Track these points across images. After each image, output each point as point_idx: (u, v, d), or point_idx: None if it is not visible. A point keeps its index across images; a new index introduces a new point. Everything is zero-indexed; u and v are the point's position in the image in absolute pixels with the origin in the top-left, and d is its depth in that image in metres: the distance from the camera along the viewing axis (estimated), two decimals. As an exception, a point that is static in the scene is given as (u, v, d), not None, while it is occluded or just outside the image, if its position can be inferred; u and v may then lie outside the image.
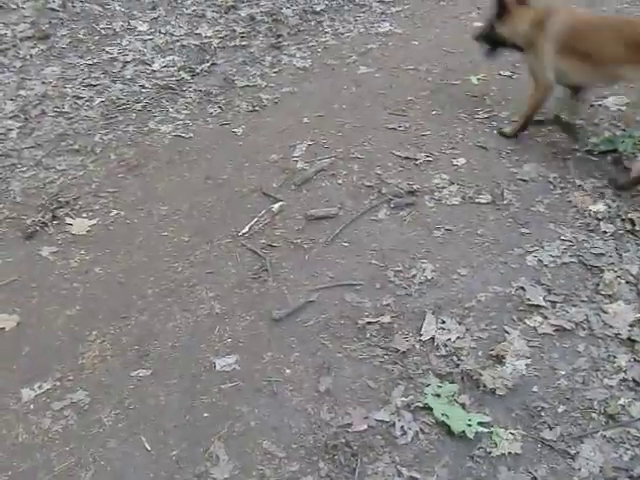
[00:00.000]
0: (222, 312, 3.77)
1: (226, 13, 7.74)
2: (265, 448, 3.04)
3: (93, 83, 6.30)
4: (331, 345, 3.52)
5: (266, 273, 4.00)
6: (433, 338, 3.51)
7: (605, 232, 4.11)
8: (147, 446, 3.07)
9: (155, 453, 3.05)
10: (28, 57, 6.72)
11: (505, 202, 4.41)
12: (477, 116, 5.44)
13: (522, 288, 3.78)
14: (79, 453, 3.06)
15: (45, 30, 7.17)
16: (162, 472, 2.98)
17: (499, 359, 3.37)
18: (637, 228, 4.08)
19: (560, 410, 3.12)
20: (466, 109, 5.55)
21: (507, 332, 3.52)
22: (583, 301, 3.68)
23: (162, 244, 4.30)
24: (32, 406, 3.30)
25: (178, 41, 7.12)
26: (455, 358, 3.40)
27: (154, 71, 6.54)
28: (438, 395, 3.19)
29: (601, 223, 4.18)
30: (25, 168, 5.10)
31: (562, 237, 4.10)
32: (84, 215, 4.59)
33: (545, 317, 3.59)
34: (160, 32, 7.30)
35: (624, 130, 5.01)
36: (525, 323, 3.57)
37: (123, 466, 3.01)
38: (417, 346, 3.48)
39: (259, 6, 7.86)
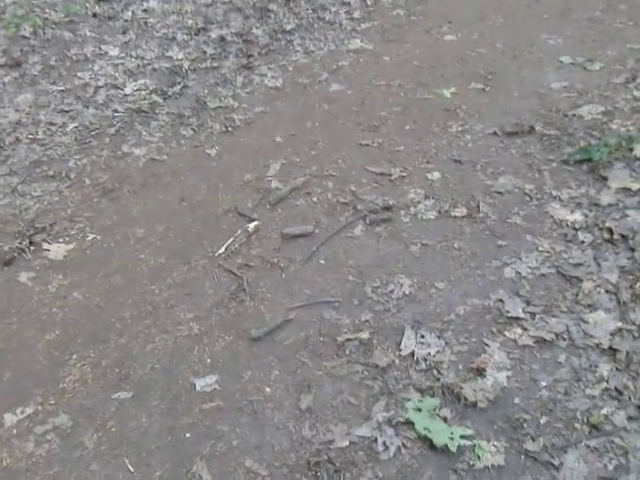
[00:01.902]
0: (201, 333, 3.77)
1: (196, 35, 7.78)
2: (248, 467, 3.03)
3: (66, 109, 6.30)
4: (311, 363, 3.53)
5: (243, 293, 4.01)
6: (413, 353, 3.52)
7: (583, 242, 4.13)
8: (130, 468, 3.06)
9: (138, 475, 3.03)
10: (0, 85, 6.73)
11: (481, 215, 4.44)
12: (450, 129, 5.49)
13: (501, 300, 3.79)
14: (63, 476, 3.04)
15: (17, 57, 7.19)
16: (146, 494, 2.98)
17: (479, 372, 3.37)
18: (615, 237, 4.10)
19: (542, 421, 3.13)
20: (439, 123, 5.60)
21: (487, 345, 3.53)
22: (563, 312, 3.69)
23: (139, 267, 4.30)
24: (15, 431, 3.28)
25: (149, 64, 7.14)
26: (435, 372, 3.41)
27: (126, 95, 6.55)
28: (419, 409, 3.19)
29: (579, 233, 4.20)
30: (1, 195, 5.09)
31: (540, 248, 4.12)
32: (61, 240, 4.58)
33: (525, 329, 3.60)
34: (131, 56, 7.32)
35: (599, 139, 5.06)
36: (505, 335, 3.58)
37: (106, 489, 3.01)
38: (397, 361, 3.49)
39: (229, 27, 7.91)
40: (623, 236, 4.11)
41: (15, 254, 4.44)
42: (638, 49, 6.50)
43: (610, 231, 4.15)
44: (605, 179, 4.62)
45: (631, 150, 4.84)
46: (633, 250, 4.01)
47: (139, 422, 3.29)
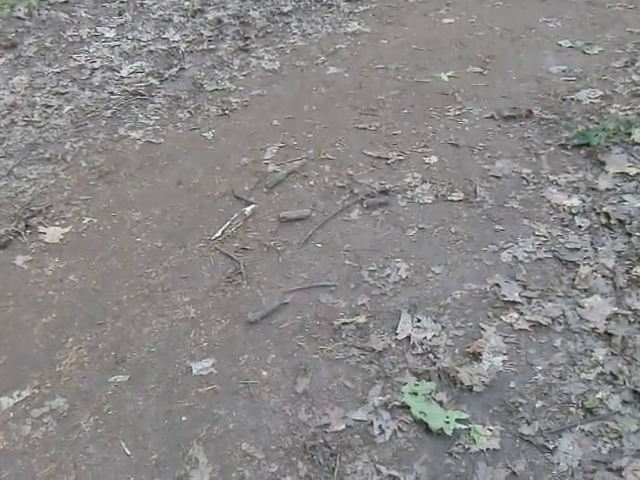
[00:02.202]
0: (197, 316, 3.77)
1: (193, 17, 7.75)
2: (244, 450, 3.04)
3: (62, 91, 6.28)
4: (307, 346, 3.53)
5: (240, 276, 4.01)
6: (409, 337, 3.52)
7: (580, 226, 4.13)
8: (127, 451, 3.07)
9: (135, 457, 3.04)
10: (-5, 66, 6.70)
11: (478, 199, 4.43)
12: (448, 113, 5.48)
13: (497, 285, 3.79)
14: (60, 459, 3.05)
15: (12, 39, 7.15)
16: (142, 476, 2.97)
17: (476, 356, 3.38)
18: (612, 222, 4.10)
19: (538, 405, 3.14)
20: (437, 107, 5.59)
21: (483, 329, 3.54)
22: (559, 296, 3.70)
23: (135, 250, 4.29)
24: (12, 414, 3.29)
25: (145, 46, 7.11)
26: (431, 356, 3.42)
27: (122, 77, 6.52)
28: (415, 393, 3.20)
29: (576, 218, 4.20)
30: (-4, 178, 5.08)
31: (536, 232, 4.12)
32: (57, 223, 4.57)
33: (521, 313, 3.61)
34: (127, 38, 7.30)
35: (597, 123, 5.05)
36: (501, 319, 3.59)
37: (103, 471, 3.00)
38: (393, 345, 3.50)
39: (226, 9, 7.88)
40: (620, 221, 4.11)
41: (11, 237, 4.43)
42: (638, 33, 6.49)
43: (607, 216, 4.15)
44: (603, 164, 4.61)
45: (629, 135, 4.83)
46: (630, 235, 4.01)
47: (136, 405, 3.29)
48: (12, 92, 6.23)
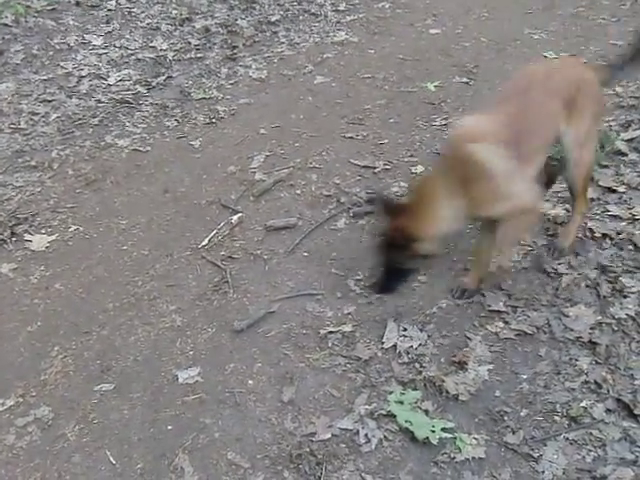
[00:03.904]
0: (183, 325, 3.77)
1: (181, 25, 7.75)
2: (230, 459, 3.04)
3: (49, 98, 6.27)
4: (293, 355, 3.54)
5: (227, 285, 4.01)
6: (395, 346, 3.54)
7: (564, 237, 4.16)
8: (112, 460, 3.06)
9: (120, 467, 3.04)
10: (-18, 74, 6.68)
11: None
12: (434, 123, 5.51)
13: (482, 294, 3.82)
14: (44, 469, 3.04)
15: (-2, 46, 7.13)
16: (127, 486, 2.98)
17: (461, 365, 3.40)
18: (597, 234, 4.13)
19: (523, 414, 3.16)
20: (423, 116, 5.62)
21: (469, 338, 3.56)
22: (544, 305, 3.72)
23: (122, 258, 4.29)
24: (-5, 423, 3.29)
25: (133, 54, 7.11)
26: (417, 365, 3.43)
27: (110, 85, 6.52)
28: (401, 402, 3.22)
29: (560, 228, 4.23)
30: (-18, 185, 5.06)
31: (522, 242, 4.14)
32: (43, 231, 4.57)
33: (506, 322, 3.64)
34: (115, 46, 7.29)
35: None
36: (486, 329, 3.61)
37: (88, 481, 3.01)
38: (379, 354, 3.51)
39: (214, 18, 7.89)
40: (604, 234, 4.12)
41: (-4, 245, 4.42)
42: (620, 45, 6.51)
43: (592, 231, 4.16)
44: (591, 179, 4.62)
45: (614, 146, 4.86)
46: (614, 245, 4.03)
47: (121, 414, 3.29)
48: (-2, 99, 6.22)
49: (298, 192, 4.76)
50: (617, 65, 3.94)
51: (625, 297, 3.69)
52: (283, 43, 7.33)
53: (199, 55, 7.09)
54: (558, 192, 4.51)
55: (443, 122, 5.48)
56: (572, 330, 3.54)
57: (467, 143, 3.41)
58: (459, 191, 3.40)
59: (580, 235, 4.14)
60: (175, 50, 7.19)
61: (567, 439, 3.02)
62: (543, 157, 3.72)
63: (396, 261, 3.56)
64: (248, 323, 3.72)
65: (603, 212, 4.30)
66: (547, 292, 3.80)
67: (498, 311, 3.70)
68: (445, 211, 3.44)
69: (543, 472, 2.89)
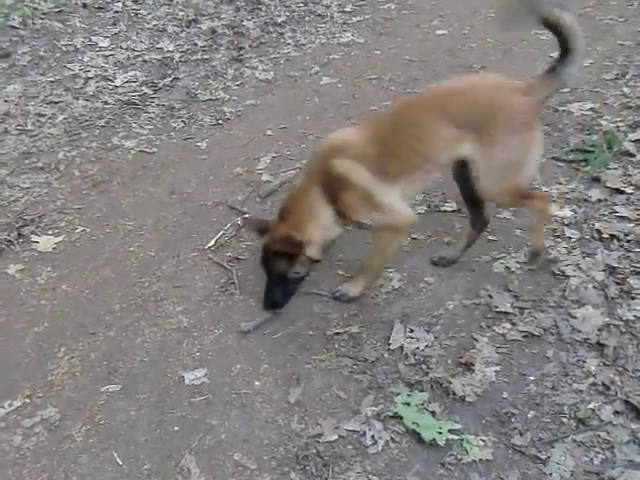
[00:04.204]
0: (190, 326, 3.77)
1: (187, 27, 7.75)
2: (236, 460, 3.04)
3: (55, 100, 6.28)
4: (300, 356, 3.54)
5: (233, 286, 4.01)
6: (402, 347, 3.53)
7: (571, 238, 4.15)
8: (118, 461, 3.07)
9: (127, 468, 3.04)
10: (-11, 75, 6.69)
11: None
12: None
13: (489, 295, 3.81)
14: (51, 469, 3.05)
15: (6, 48, 7.14)
16: (134, 487, 2.99)
17: (468, 366, 3.39)
18: (604, 235, 4.12)
19: (530, 415, 3.15)
20: (429, 118, 5.59)
21: (475, 339, 3.55)
22: (551, 307, 3.72)
23: (128, 259, 4.29)
24: (3, 424, 3.29)
25: (140, 56, 7.12)
26: (424, 366, 3.42)
27: (116, 87, 6.52)
28: (408, 404, 3.21)
29: (567, 229, 4.22)
30: (-11, 187, 5.08)
31: (528, 243, 4.12)
32: (50, 232, 4.57)
33: (513, 323, 3.63)
34: (121, 47, 7.30)
35: (589, 135, 5.10)
36: (493, 330, 3.60)
37: (95, 482, 3.01)
38: (386, 355, 3.51)
39: (220, 19, 7.88)
40: (611, 235, 4.11)
41: (3, 246, 4.43)
42: (628, 45, 6.52)
43: (599, 232, 4.15)
44: (597, 179, 4.61)
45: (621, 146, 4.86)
46: (622, 247, 4.02)
47: (128, 415, 3.29)
48: (5, 101, 6.22)
49: (305, 193, 4.76)
50: (556, 67, 3.59)
51: (633, 298, 3.69)
52: (289, 44, 7.33)
53: (205, 56, 7.09)
54: (565, 193, 4.50)
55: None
56: (580, 332, 3.54)
57: (329, 158, 3.61)
58: (329, 200, 3.60)
59: (587, 236, 4.14)
60: (181, 51, 7.19)
61: (575, 441, 3.01)
62: (422, 177, 3.67)
63: (283, 271, 3.68)
64: (255, 324, 3.72)
65: (611, 213, 4.29)
66: (554, 294, 3.79)
67: (505, 312, 3.69)
68: (322, 218, 3.66)
69: (551, 474, 2.89)
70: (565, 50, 3.54)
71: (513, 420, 3.13)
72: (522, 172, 3.58)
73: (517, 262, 4.00)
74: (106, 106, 6.20)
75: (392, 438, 3.09)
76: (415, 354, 3.48)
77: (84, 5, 8.26)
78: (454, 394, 3.25)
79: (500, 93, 3.51)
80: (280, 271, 3.69)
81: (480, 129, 3.44)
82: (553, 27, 3.51)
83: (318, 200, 3.64)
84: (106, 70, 6.82)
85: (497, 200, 3.78)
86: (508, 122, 3.44)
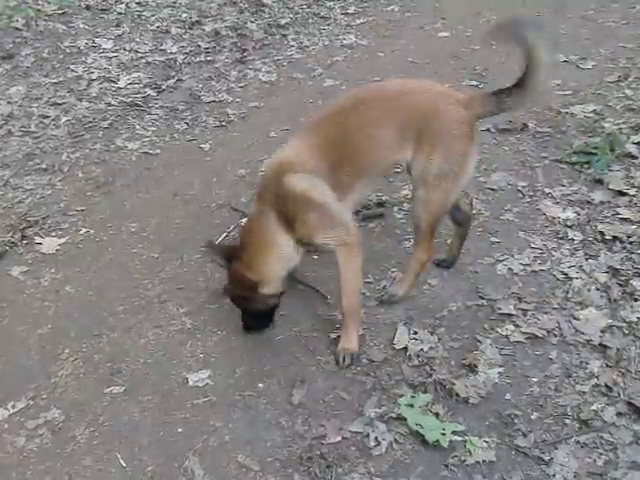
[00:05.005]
0: (193, 327, 3.78)
1: (190, 29, 7.77)
2: (240, 462, 3.04)
3: (59, 102, 6.29)
4: (303, 358, 3.54)
5: (237, 288, 4.01)
6: (405, 349, 3.53)
7: (574, 240, 4.16)
8: (122, 462, 3.07)
9: (130, 469, 3.04)
10: (-7, 77, 6.71)
11: (474, 211, 4.42)
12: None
13: (493, 297, 3.82)
14: (54, 471, 3.05)
15: (9, 50, 7.16)
16: (138, 489, 2.99)
17: (472, 368, 3.40)
18: (607, 237, 4.13)
19: (533, 417, 3.15)
20: (432, 120, 5.60)
21: (479, 341, 3.55)
22: (554, 308, 3.72)
23: (132, 261, 4.30)
24: (6, 425, 3.28)
25: (143, 58, 7.13)
26: (428, 368, 3.43)
27: (120, 88, 6.53)
28: (411, 405, 3.21)
29: (570, 230, 4.23)
30: (-7, 188, 5.08)
31: (532, 245, 4.14)
32: (53, 234, 4.57)
33: (517, 325, 3.63)
34: (125, 49, 7.31)
35: (591, 137, 5.11)
36: (497, 332, 3.61)
37: (99, 484, 3.02)
38: (389, 357, 3.51)
39: (223, 21, 7.90)
40: (614, 237, 4.12)
41: (7, 248, 4.43)
42: (630, 48, 6.53)
43: (602, 233, 4.16)
44: (600, 181, 4.62)
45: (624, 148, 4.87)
46: (625, 248, 4.03)
47: (131, 417, 3.29)
48: (9, 102, 6.24)
49: (308, 195, 4.76)
50: (504, 92, 3.48)
51: (636, 300, 3.70)
52: (292, 46, 7.34)
53: (209, 58, 7.10)
54: (568, 195, 4.51)
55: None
56: (583, 333, 3.54)
57: (282, 176, 3.34)
58: (285, 226, 3.37)
59: (590, 238, 4.15)
60: (185, 53, 7.20)
61: (578, 442, 3.02)
62: (370, 184, 3.61)
63: (248, 308, 3.58)
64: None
65: (613, 215, 4.30)
66: (557, 295, 3.80)
67: (508, 314, 3.70)
68: (278, 249, 3.42)
69: (554, 475, 2.89)
70: (523, 78, 3.47)
71: (516, 421, 3.13)
72: (456, 187, 3.51)
73: (520, 264, 4.01)
74: (109, 108, 6.21)
75: (396, 439, 3.09)
76: (419, 356, 3.49)
77: (87, 7, 8.30)
78: (457, 396, 3.26)
79: (442, 102, 3.43)
80: (245, 308, 3.60)
81: (420, 136, 3.39)
82: (525, 52, 3.47)
83: (273, 229, 3.39)
84: (109, 72, 6.84)
85: (425, 213, 3.54)
86: (447, 132, 3.39)
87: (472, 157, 3.52)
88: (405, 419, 3.15)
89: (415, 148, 3.42)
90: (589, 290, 3.80)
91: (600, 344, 3.47)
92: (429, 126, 3.38)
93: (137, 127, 5.89)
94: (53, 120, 6.00)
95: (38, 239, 4.52)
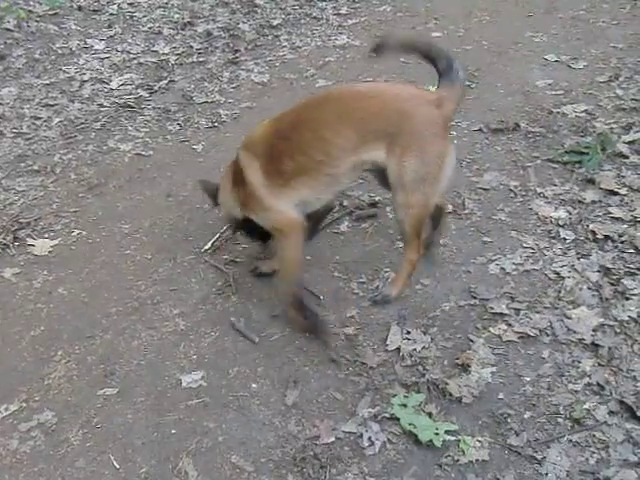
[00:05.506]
0: (187, 328, 3.78)
1: (182, 30, 7.77)
2: (234, 463, 3.04)
3: (51, 103, 6.28)
4: (297, 358, 3.54)
5: (230, 288, 4.02)
6: (398, 349, 3.54)
7: (565, 239, 4.17)
8: (115, 464, 3.07)
9: (124, 471, 3.04)
10: (-16, 78, 6.70)
11: (466, 211, 4.46)
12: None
13: (485, 297, 3.83)
14: (48, 474, 3.05)
15: (0, 51, 7.15)
16: (131, 490, 2.99)
17: (464, 368, 3.40)
18: (599, 237, 4.14)
19: (526, 416, 3.16)
20: (424, 120, 5.60)
21: (472, 341, 3.56)
22: (546, 307, 3.73)
23: (125, 262, 4.30)
24: (-1, 428, 3.29)
25: (135, 59, 7.13)
26: (421, 368, 3.43)
27: (112, 89, 6.53)
28: (405, 405, 3.21)
29: (562, 230, 4.24)
30: (-16, 190, 5.08)
31: (524, 245, 4.15)
32: (46, 235, 4.57)
33: (509, 324, 3.64)
34: (117, 50, 7.31)
35: (583, 137, 5.13)
36: (489, 331, 3.61)
37: (92, 486, 3.02)
38: (382, 357, 3.51)
39: (216, 22, 7.90)
40: (606, 236, 4.13)
41: (-1, 249, 4.43)
42: (621, 48, 6.54)
43: (594, 233, 4.17)
44: (592, 181, 4.63)
45: (615, 148, 4.88)
46: (616, 247, 4.04)
47: (125, 418, 3.29)
48: (0, 104, 6.24)
49: (300, 196, 4.76)
50: (445, 77, 3.55)
51: (627, 299, 3.70)
52: (285, 47, 7.34)
53: (201, 59, 7.10)
54: (559, 194, 4.52)
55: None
56: (575, 332, 3.55)
57: (240, 148, 3.75)
58: (234, 185, 3.80)
59: (582, 237, 4.16)
60: (177, 54, 7.20)
61: (570, 441, 3.02)
62: (325, 182, 3.59)
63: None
64: (252, 327, 3.73)
65: (605, 214, 4.31)
66: (549, 294, 3.81)
67: (501, 313, 3.70)
68: (226, 194, 3.89)
69: (547, 474, 2.89)
70: (435, 60, 3.60)
71: (509, 421, 3.14)
72: (435, 188, 3.50)
73: (512, 263, 4.02)
74: (102, 109, 6.20)
75: (389, 439, 3.10)
76: (412, 355, 3.49)
77: (79, 8, 8.29)
78: (451, 395, 3.26)
79: (411, 103, 3.42)
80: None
81: (392, 138, 3.38)
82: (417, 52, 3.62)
83: (228, 180, 3.85)
84: (102, 73, 6.84)
85: (407, 216, 3.55)
86: (419, 134, 3.38)
87: (449, 157, 3.49)
88: (398, 419, 3.15)
89: (388, 151, 3.41)
90: (581, 289, 3.81)
91: (592, 343, 3.48)
92: (399, 128, 3.36)
93: (129, 128, 5.89)
94: (45, 121, 6.00)
95: (30, 241, 4.52)
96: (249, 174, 3.60)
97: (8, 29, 7.64)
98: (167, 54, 7.20)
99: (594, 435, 3.04)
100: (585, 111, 5.49)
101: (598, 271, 3.91)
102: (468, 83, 6.11)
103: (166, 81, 6.65)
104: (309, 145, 3.46)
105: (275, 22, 7.90)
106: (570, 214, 4.35)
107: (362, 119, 3.40)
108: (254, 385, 3.42)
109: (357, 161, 3.49)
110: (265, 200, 3.57)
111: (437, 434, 3.05)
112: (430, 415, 3.17)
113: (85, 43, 7.45)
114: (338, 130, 3.42)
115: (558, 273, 3.93)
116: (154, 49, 7.33)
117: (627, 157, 4.81)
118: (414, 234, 3.63)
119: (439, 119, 3.40)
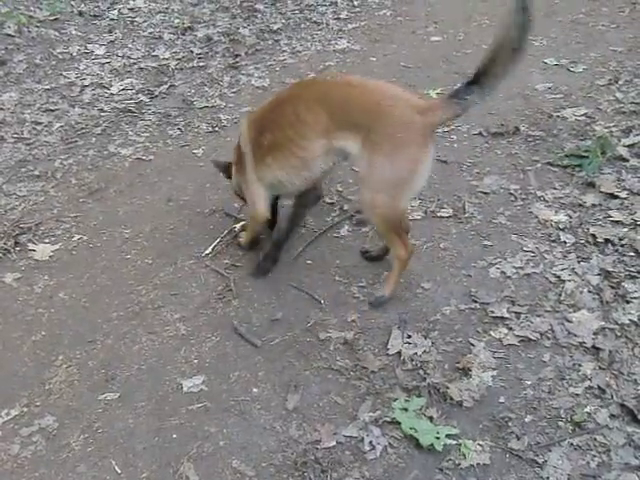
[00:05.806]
0: (188, 333, 3.78)
1: (183, 34, 7.77)
2: (235, 467, 3.04)
3: (52, 108, 6.29)
4: (297, 363, 3.54)
5: (230, 293, 4.02)
6: (399, 353, 3.54)
7: (566, 242, 4.17)
8: (117, 469, 3.07)
9: (125, 476, 3.04)
10: (-15, 83, 6.70)
11: (467, 215, 4.46)
12: (437, 130, 5.49)
13: (486, 300, 3.83)
14: (49, 479, 3.05)
15: (1, 56, 7.15)
16: (133, 495, 2.99)
17: (465, 371, 3.41)
18: (599, 240, 4.14)
19: (527, 420, 3.16)
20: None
21: (472, 344, 3.56)
22: (547, 311, 3.73)
23: (126, 267, 4.30)
24: (0, 433, 3.28)
25: (136, 64, 7.13)
26: (422, 372, 3.44)
27: (112, 94, 6.54)
28: (406, 409, 3.22)
29: (562, 233, 4.24)
30: (-15, 195, 5.08)
31: (524, 248, 4.16)
32: (47, 240, 4.57)
33: (510, 328, 3.64)
34: (117, 55, 7.31)
35: (583, 140, 5.13)
36: (490, 335, 3.62)
37: (93, 490, 3.01)
38: (383, 361, 3.51)
39: (216, 27, 7.90)
40: (606, 239, 4.13)
41: (0, 255, 4.43)
42: (620, 51, 6.55)
43: (594, 236, 4.17)
44: (592, 185, 4.64)
45: (615, 151, 4.89)
46: (616, 251, 4.04)
47: (126, 423, 3.29)
48: (1, 109, 6.23)
49: (301, 200, 4.77)
50: (461, 91, 3.44)
51: (628, 302, 3.71)
52: (285, 51, 7.34)
53: (201, 64, 7.11)
54: (560, 198, 4.52)
55: (445, 129, 5.47)
56: (575, 336, 3.55)
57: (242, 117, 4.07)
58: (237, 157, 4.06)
59: (582, 240, 4.16)
60: (177, 59, 7.20)
61: (571, 445, 3.03)
62: (296, 166, 3.67)
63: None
64: (253, 331, 3.74)
65: (605, 218, 4.31)
66: (550, 298, 3.81)
67: (501, 317, 3.71)
68: (234, 168, 4.18)
69: (548, 478, 2.90)
70: (479, 76, 3.51)
71: (510, 424, 3.14)
72: (404, 192, 3.49)
73: (513, 267, 4.02)
74: (102, 114, 6.21)
75: (390, 444, 3.10)
76: (412, 360, 3.50)
77: (80, 13, 8.29)
78: (451, 399, 3.27)
79: (391, 102, 3.39)
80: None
81: (366, 133, 3.38)
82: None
83: (235, 153, 4.10)
84: (102, 78, 6.84)
85: (373, 216, 3.59)
86: (391, 135, 3.35)
87: (424, 164, 3.44)
88: (399, 423, 3.16)
89: (362, 144, 3.41)
90: (581, 292, 3.81)
91: (593, 346, 3.48)
92: (374, 124, 3.36)
93: (130, 133, 5.89)
94: (46, 126, 6.00)
95: (31, 246, 4.52)
96: (243, 145, 3.87)
97: (9, 34, 7.64)
98: (167, 59, 7.20)
99: (595, 438, 3.04)
100: (585, 115, 5.50)
101: (598, 274, 3.91)
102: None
103: (166, 86, 6.65)
104: (286, 120, 3.57)
105: (275, 27, 7.91)
106: (570, 217, 4.35)
107: (339, 106, 3.45)
108: (255, 389, 3.42)
109: (328, 146, 3.53)
110: (249, 176, 3.86)
111: (438, 438, 3.06)
112: (431, 419, 3.17)
113: (86, 48, 7.46)
114: (313, 110, 3.48)
115: (559, 276, 3.93)
116: (154, 54, 7.33)
117: (627, 160, 4.81)
118: (389, 233, 3.64)
119: (418, 125, 3.35)
